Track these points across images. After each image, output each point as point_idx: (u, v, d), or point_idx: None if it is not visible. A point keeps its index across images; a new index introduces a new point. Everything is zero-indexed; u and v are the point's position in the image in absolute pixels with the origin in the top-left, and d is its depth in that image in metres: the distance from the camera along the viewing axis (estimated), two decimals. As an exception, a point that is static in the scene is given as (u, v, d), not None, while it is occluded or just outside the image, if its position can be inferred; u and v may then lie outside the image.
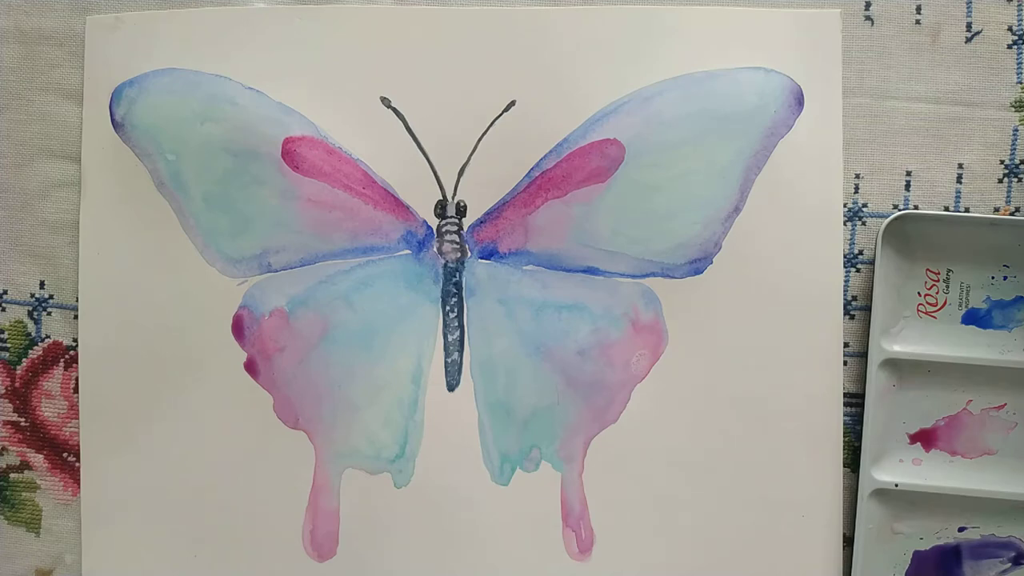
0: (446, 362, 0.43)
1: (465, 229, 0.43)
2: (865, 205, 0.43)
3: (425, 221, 0.43)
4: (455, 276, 0.43)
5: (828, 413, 0.43)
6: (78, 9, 0.44)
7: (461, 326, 0.43)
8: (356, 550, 0.43)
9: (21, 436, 0.45)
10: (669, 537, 0.43)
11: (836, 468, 0.43)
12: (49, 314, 0.45)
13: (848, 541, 0.42)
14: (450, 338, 0.43)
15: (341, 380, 0.43)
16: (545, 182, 0.43)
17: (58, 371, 0.45)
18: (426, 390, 0.43)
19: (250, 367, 0.43)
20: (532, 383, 0.43)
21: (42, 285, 0.45)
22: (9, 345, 0.45)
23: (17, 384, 0.45)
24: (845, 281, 0.43)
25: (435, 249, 0.43)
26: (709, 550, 0.43)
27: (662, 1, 0.43)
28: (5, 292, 0.45)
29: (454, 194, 0.43)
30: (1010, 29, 0.43)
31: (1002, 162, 0.43)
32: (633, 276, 0.43)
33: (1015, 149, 0.43)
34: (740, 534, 0.43)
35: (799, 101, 0.42)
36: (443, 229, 0.43)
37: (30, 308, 0.45)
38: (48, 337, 0.45)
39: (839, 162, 0.43)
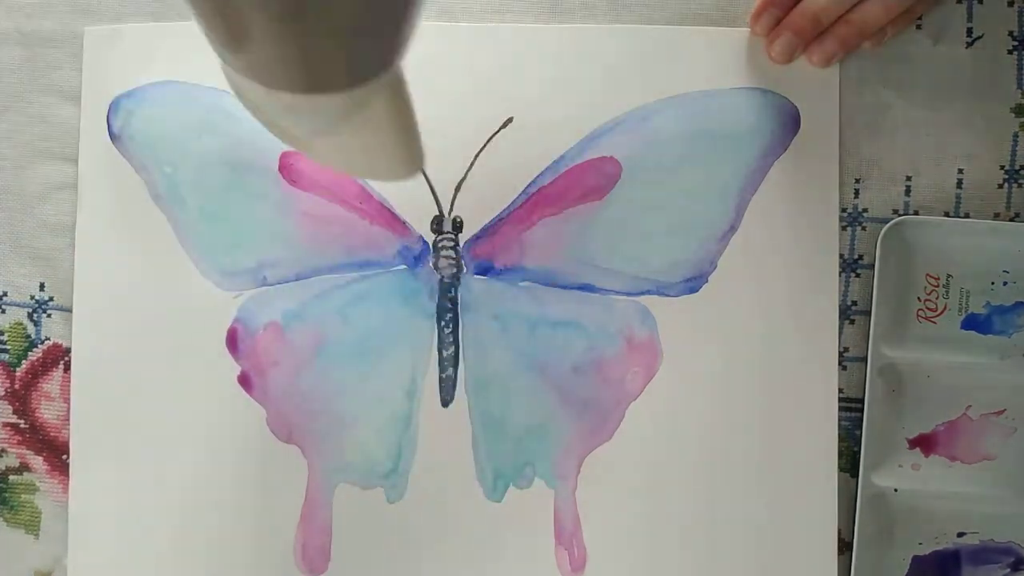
0: (440, 377, 0.43)
1: (461, 245, 0.43)
2: (865, 210, 0.43)
3: (421, 236, 0.43)
4: (451, 291, 0.43)
5: (822, 430, 0.42)
6: (78, 11, 0.44)
7: (456, 342, 0.43)
8: (348, 565, 0.43)
9: (20, 438, 0.45)
10: (663, 555, 0.43)
11: (832, 476, 0.42)
12: (49, 316, 0.45)
13: (847, 546, 0.42)
14: (445, 353, 0.43)
15: (335, 394, 0.43)
16: (542, 199, 0.43)
17: (57, 373, 0.45)
18: (420, 405, 0.43)
19: (244, 380, 0.43)
20: (526, 399, 0.43)
21: (42, 287, 0.45)
22: (9, 347, 0.45)
23: (17, 386, 0.45)
24: (845, 286, 0.43)
25: (431, 264, 0.43)
26: (703, 567, 0.43)
27: (660, 21, 0.43)
28: (5, 294, 0.45)
29: (451, 210, 0.43)
30: (1011, 34, 0.43)
31: (1002, 167, 0.43)
32: (628, 294, 0.43)
33: (1015, 154, 0.43)
34: (737, 549, 0.43)
35: (795, 122, 0.42)
36: (439, 244, 0.43)
37: (30, 310, 0.45)
38: (48, 339, 0.45)
39: (835, 182, 0.43)
